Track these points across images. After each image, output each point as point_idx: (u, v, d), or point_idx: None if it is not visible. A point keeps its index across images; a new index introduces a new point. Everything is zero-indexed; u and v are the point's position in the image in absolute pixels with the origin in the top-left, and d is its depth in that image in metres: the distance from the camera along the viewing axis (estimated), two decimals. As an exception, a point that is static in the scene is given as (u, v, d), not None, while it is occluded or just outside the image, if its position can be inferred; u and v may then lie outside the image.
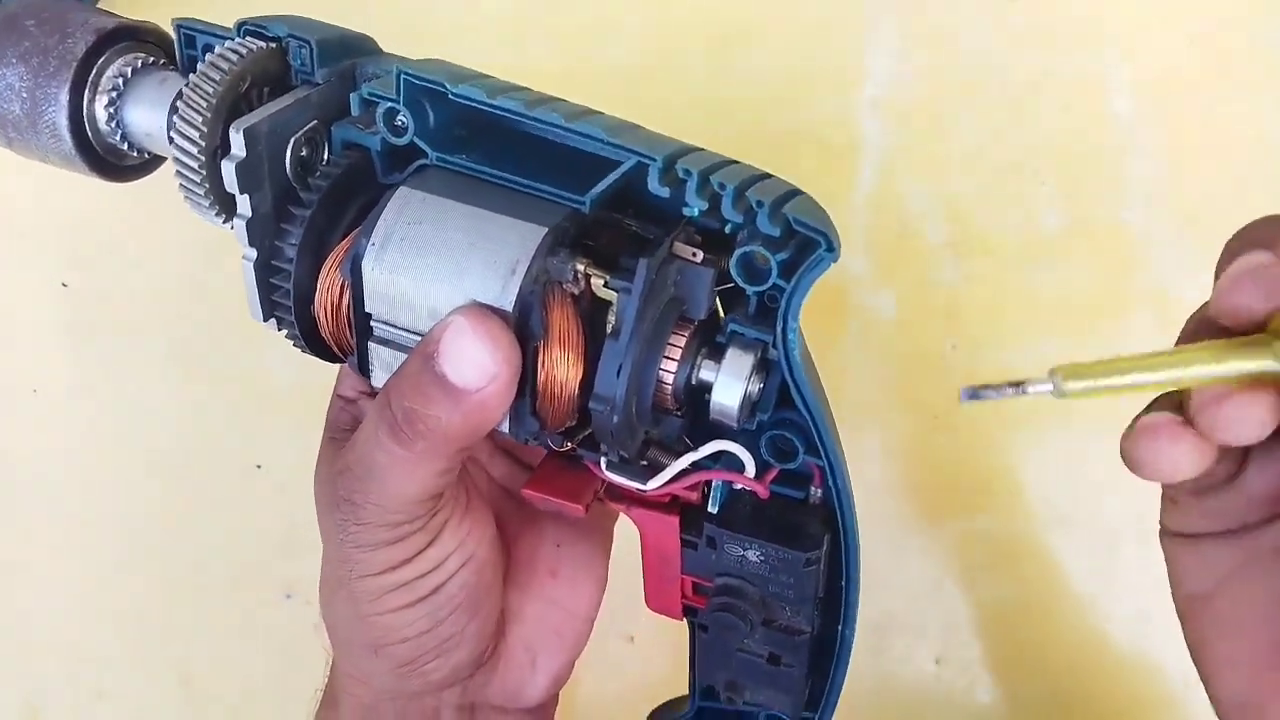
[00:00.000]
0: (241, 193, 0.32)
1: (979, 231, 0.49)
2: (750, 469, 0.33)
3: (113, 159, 0.37)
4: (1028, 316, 0.49)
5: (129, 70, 0.35)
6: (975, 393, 0.26)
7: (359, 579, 0.33)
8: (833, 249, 0.30)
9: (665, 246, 0.31)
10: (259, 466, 0.55)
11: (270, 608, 0.55)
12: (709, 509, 0.34)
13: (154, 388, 0.55)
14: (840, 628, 0.36)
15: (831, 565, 0.35)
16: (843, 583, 0.35)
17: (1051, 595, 0.53)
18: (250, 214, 0.33)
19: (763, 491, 0.33)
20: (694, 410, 0.33)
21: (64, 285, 0.54)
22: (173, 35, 0.36)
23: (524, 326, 0.31)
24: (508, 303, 0.30)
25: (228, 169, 0.32)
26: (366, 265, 0.32)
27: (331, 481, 0.34)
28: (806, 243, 0.30)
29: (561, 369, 0.31)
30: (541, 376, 0.31)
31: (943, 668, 0.54)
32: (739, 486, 0.34)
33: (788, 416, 0.33)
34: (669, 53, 0.50)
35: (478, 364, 0.30)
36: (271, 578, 0.55)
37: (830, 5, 0.48)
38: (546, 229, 0.31)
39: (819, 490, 0.35)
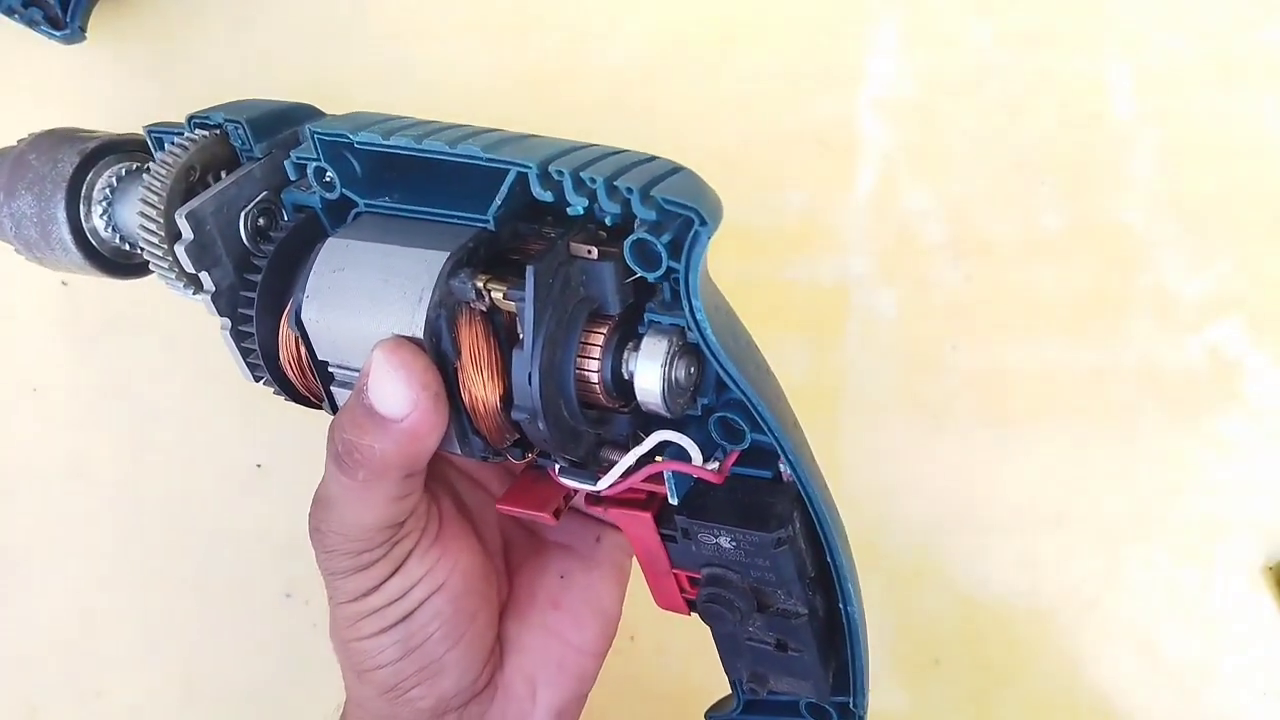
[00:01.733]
0: (199, 270, 0.36)
1: (979, 231, 0.47)
2: (696, 456, 0.33)
3: (122, 259, 0.41)
4: (1028, 315, 0.48)
5: (115, 179, 0.39)
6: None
7: (336, 605, 0.35)
8: (705, 222, 0.29)
9: (559, 249, 0.31)
10: (259, 466, 0.56)
11: (269, 607, 0.56)
12: (670, 500, 0.34)
13: (154, 388, 0.56)
14: (842, 606, 0.35)
15: (814, 542, 0.34)
16: (828, 558, 0.34)
17: (1050, 593, 0.51)
18: (214, 288, 0.36)
19: (715, 478, 0.33)
20: (624, 396, 0.33)
21: (64, 284, 0.55)
22: (147, 140, 0.40)
23: (438, 350, 0.32)
24: (417, 330, 0.32)
25: (180, 252, 0.35)
26: (306, 317, 0.34)
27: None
28: (686, 220, 0.30)
29: (479, 386, 0.32)
30: (466, 396, 0.32)
31: (943, 668, 0.52)
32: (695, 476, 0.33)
33: (731, 397, 0.33)
34: (669, 53, 0.50)
35: (398, 393, 0.31)
36: (271, 577, 0.56)
37: (830, 5, 0.47)
38: (447, 253, 0.32)
39: (785, 466, 0.34)
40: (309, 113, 0.39)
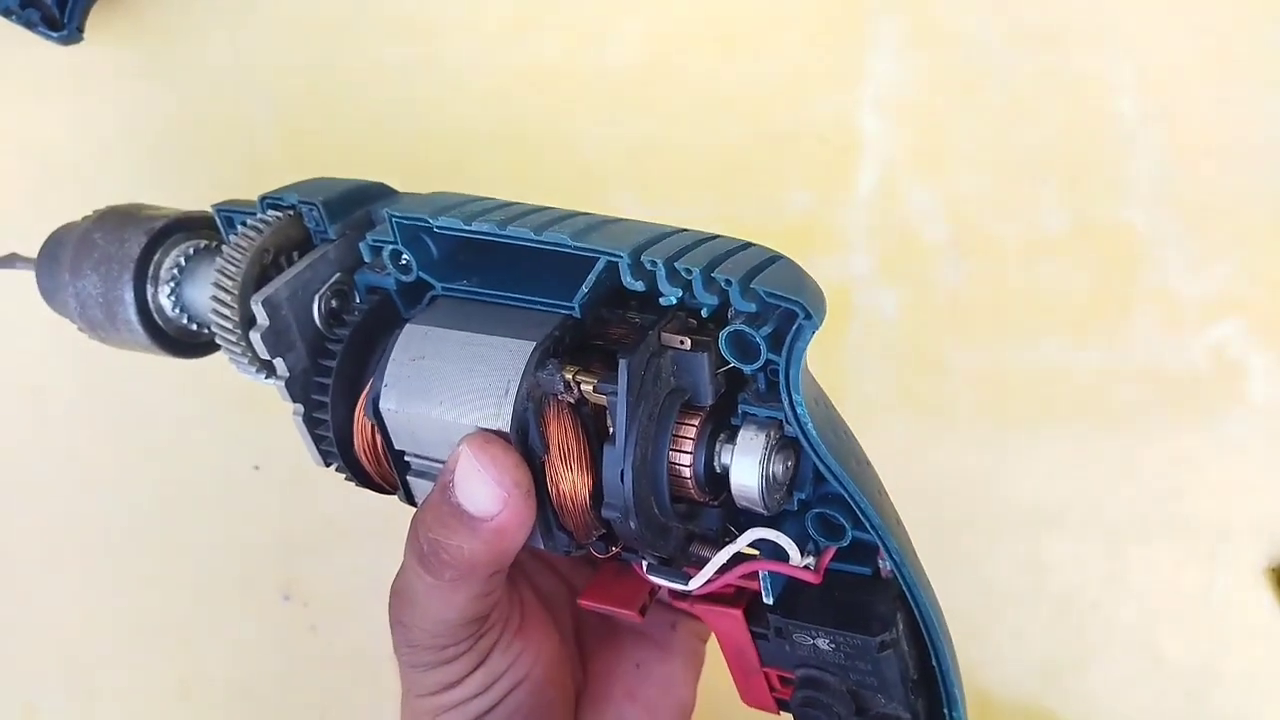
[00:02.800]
0: (274, 357, 0.35)
1: (981, 231, 0.47)
2: (794, 555, 0.31)
3: (187, 339, 0.40)
4: (1030, 316, 0.47)
5: (183, 259, 0.39)
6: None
7: (415, 698, 0.34)
8: (811, 316, 0.28)
9: (650, 340, 0.30)
10: (257, 467, 0.55)
11: (268, 609, 0.55)
12: (765, 599, 0.32)
13: (154, 388, 0.55)
14: (946, 711, 0.33)
15: (917, 642, 0.32)
16: (934, 662, 0.32)
17: (1052, 594, 0.50)
18: (288, 374, 0.35)
19: (812, 578, 0.31)
20: (716, 490, 0.32)
21: None
22: (216, 219, 0.39)
23: (525, 444, 0.30)
24: (504, 423, 0.30)
25: (255, 338, 0.34)
26: (384, 406, 0.33)
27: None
28: (788, 313, 0.28)
29: (568, 481, 0.30)
30: (553, 491, 0.31)
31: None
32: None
33: (830, 491, 0.31)
34: (669, 53, 0.49)
35: (487, 491, 0.30)
36: (269, 579, 0.55)
37: (830, 5, 0.47)
38: (534, 343, 0.31)
39: (886, 562, 0.32)
40: (382, 191, 0.38)
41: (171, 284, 0.38)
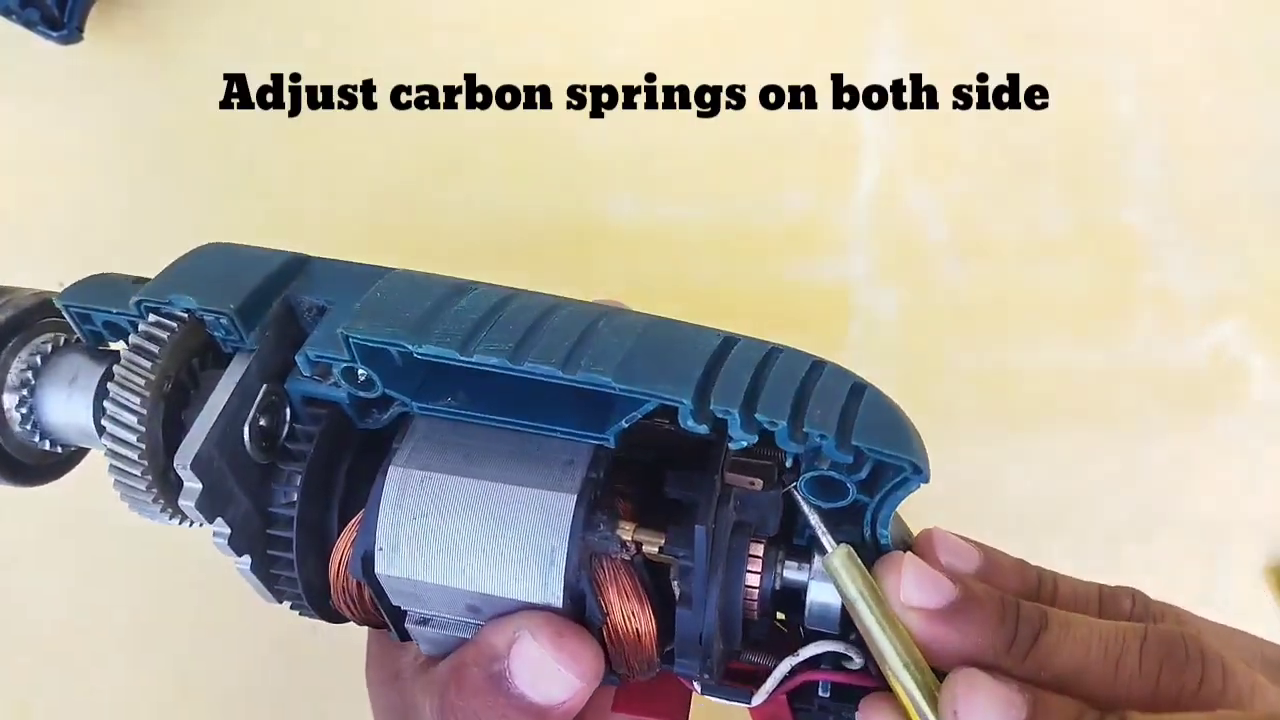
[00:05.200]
0: (213, 518, 0.28)
1: (981, 231, 0.47)
2: (856, 661, 0.30)
3: (30, 460, 0.31)
4: (1030, 316, 0.47)
5: (38, 359, 0.29)
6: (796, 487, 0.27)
7: None
8: (920, 471, 0.25)
9: (715, 487, 0.26)
10: None
11: (268, 609, 0.54)
12: (820, 694, 0.31)
13: None
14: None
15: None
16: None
17: None
18: (229, 531, 0.28)
19: (874, 683, 0.30)
20: (783, 609, 0.29)
21: (60, 284, 0.51)
22: (65, 316, 0.30)
23: (581, 615, 0.26)
24: (555, 599, 0.26)
25: (188, 506, 0.27)
26: (380, 569, 0.27)
27: (385, 683, 0.32)
28: (891, 466, 0.25)
29: (632, 645, 0.27)
30: (612, 653, 0.27)
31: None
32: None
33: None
34: (669, 52, 0.48)
35: (561, 681, 0.26)
36: None
37: (830, 5, 0.46)
38: (574, 497, 0.26)
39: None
40: (294, 268, 0.30)
41: (22, 391, 0.29)
